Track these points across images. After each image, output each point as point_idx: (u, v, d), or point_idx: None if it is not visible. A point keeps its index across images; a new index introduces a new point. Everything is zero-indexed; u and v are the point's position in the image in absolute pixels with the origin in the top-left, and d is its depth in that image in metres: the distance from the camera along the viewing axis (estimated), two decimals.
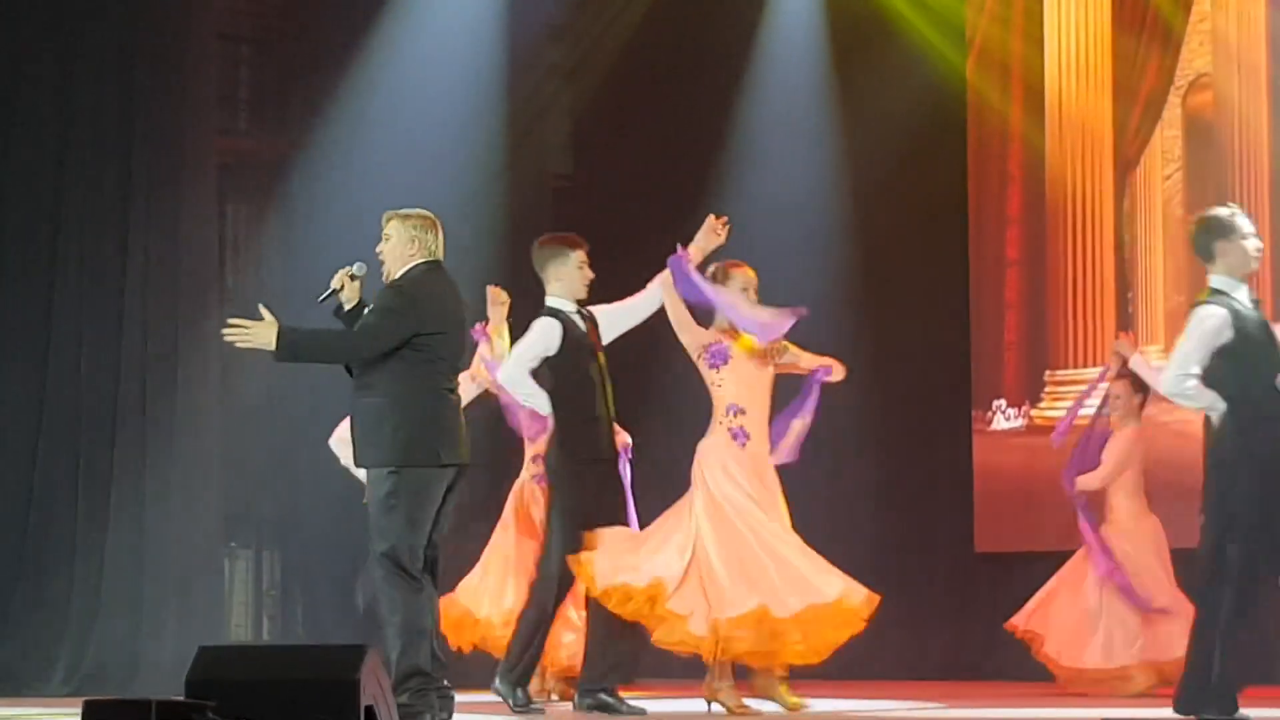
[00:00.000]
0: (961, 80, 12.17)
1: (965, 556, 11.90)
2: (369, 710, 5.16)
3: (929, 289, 12.16)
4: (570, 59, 13.00)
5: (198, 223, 11.07)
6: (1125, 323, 11.46)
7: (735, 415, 8.19)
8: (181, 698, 5.08)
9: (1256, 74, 11.09)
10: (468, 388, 8.58)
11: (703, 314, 8.37)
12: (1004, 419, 11.93)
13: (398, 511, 7.16)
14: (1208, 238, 7.26)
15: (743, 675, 8.15)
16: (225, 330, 7.24)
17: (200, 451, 10.94)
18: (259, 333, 7.20)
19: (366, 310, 7.36)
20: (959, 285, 12.14)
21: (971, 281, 12.18)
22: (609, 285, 12.76)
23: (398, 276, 7.39)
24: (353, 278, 7.45)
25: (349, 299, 7.44)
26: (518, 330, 8.84)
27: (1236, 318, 7.12)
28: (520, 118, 12.56)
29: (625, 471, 8.64)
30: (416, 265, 7.42)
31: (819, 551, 8.13)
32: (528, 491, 9.10)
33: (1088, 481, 9.70)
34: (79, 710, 5.01)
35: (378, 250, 7.46)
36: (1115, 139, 11.67)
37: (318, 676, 5.16)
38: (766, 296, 8.38)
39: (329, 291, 7.46)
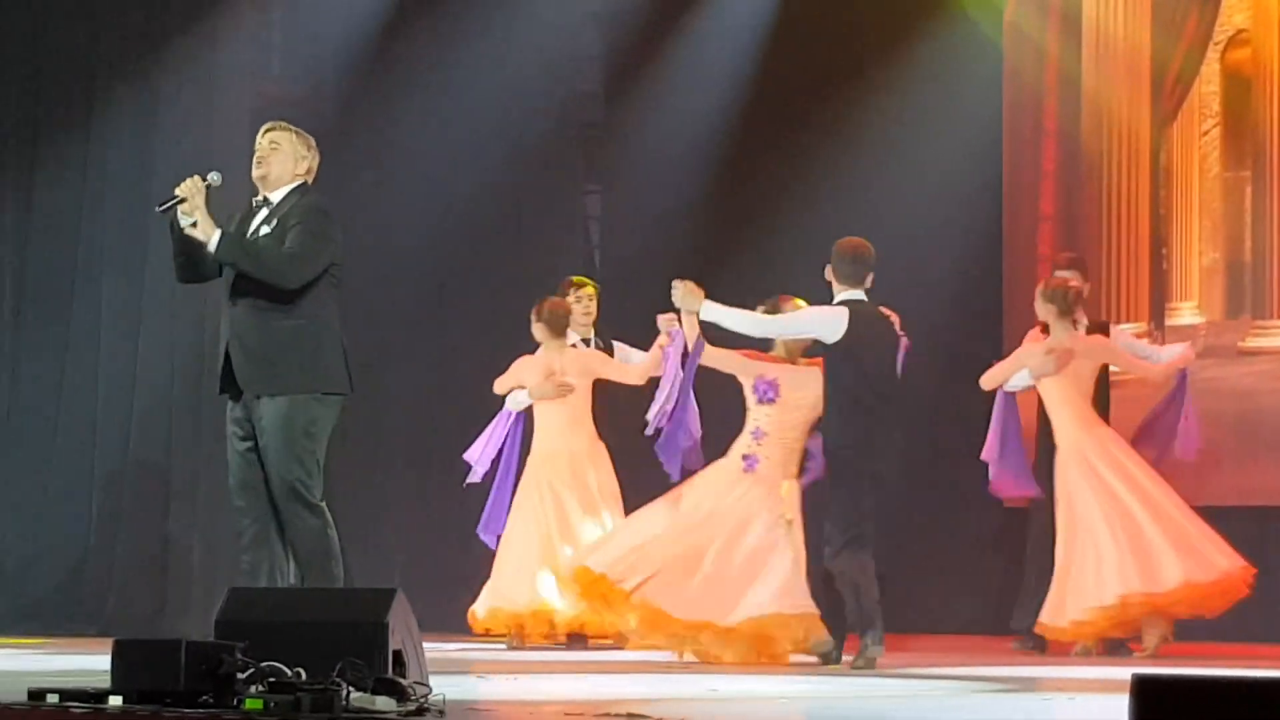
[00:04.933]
0: (998, 30, 12.06)
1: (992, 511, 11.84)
2: (397, 654, 5.15)
3: (962, 243, 12.08)
4: (605, 6, 12.89)
5: (230, 165, 11.01)
6: (1160, 279, 11.37)
7: None
8: (211, 639, 5.09)
9: None
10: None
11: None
12: None
13: (318, 440, 6.82)
14: None
15: None
16: (182, 191, 6.76)
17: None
18: (204, 224, 6.75)
19: (295, 229, 6.80)
20: (993, 241, 12.06)
21: (1005, 236, 12.10)
22: (635, 235, 12.75)
23: (289, 194, 6.94)
24: (207, 188, 6.84)
25: (191, 212, 6.80)
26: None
27: None
28: (552, 65, 12.48)
29: None
30: (302, 184, 7.01)
31: None
32: None
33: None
34: (109, 650, 5.01)
35: (258, 159, 6.97)
36: (1152, 93, 11.56)
37: (347, 619, 5.15)
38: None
39: (173, 200, 6.80)
